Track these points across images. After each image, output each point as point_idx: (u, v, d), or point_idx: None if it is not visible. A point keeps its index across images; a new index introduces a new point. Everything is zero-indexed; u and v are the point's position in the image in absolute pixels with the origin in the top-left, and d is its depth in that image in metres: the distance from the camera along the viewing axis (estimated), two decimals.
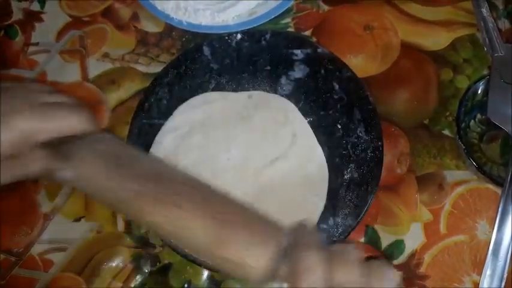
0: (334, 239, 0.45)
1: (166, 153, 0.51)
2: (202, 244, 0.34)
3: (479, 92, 0.51)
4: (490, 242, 0.47)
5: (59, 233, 0.52)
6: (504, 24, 0.57)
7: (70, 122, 0.32)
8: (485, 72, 0.55)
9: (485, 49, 0.56)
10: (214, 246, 0.34)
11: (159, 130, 0.53)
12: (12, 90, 0.30)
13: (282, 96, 0.54)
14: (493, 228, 0.47)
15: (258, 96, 0.55)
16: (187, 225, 0.34)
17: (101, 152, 0.35)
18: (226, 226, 0.34)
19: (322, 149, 0.51)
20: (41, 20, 0.63)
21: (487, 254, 0.46)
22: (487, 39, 0.55)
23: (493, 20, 0.56)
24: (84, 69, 0.59)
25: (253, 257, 0.33)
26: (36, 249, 0.52)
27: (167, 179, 0.36)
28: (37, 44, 0.61)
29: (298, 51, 0.53)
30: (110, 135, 0.37)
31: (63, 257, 0.51)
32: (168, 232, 0.35)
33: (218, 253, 0.34)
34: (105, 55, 0.60)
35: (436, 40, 0.57)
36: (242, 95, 0.55)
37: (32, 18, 0.63)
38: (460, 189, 0.51)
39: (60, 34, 0.61)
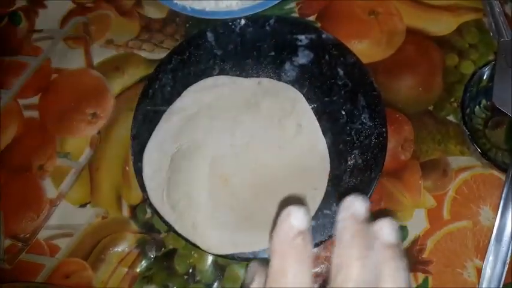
0: None
1: (171, 133, 0.51)
2: None
3: (484, 77, 0.51)
4: (493, 228, 0.47)
5: (65, 219, 0.53)
6: (511, 9, 0.57)
7: None
8: (491, 57, 0.55)
9: (491, 34, 0.55)
10: None
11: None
12: None
13: (287, 82, 0.54)
14: (497, 214, 0.47)
15: (268, 83, 0.54)
16: None
17: None
18: None
19: (326, 135, 0.51)
20: (44, 6, 0.62)
21: (490, 239, 0.47)
22: (493, 24, 0.54)
23: (500, 5, 0.55)
24: (88, 55, 0.59)
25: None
26: (43, 235, 0.52)
27: None
28: (41, 30, 0.61)
29: (302, 37, 0.53)
30: None
31: (69, 242, 0.52)
32: None
33: None
34: (109, 41, 0.60)
35: (442, 25, 0.57)
36: (251, 81, 0.54)
37: (35, 4, 0.62)
38: (464, 176, 0.51)
39: (64, 20, 0.61)
